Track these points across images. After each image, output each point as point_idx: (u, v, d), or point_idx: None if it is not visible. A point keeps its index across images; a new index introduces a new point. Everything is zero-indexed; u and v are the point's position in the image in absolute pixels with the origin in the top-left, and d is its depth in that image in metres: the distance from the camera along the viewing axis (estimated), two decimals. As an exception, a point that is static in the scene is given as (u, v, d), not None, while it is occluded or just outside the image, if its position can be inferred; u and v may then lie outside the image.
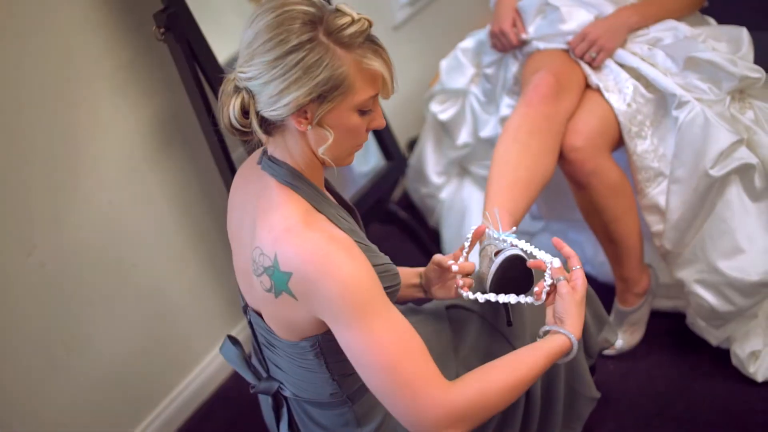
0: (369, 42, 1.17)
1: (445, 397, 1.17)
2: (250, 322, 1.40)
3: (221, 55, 1.91)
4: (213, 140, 1.90)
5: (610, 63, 1.99)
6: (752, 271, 1.83)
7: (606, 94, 1.94)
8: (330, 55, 1.13)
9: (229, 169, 1.96)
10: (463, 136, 2.38)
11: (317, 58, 1.12)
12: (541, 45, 2.06)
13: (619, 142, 1.97)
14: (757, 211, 1.86)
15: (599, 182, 1.89)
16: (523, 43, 2.10)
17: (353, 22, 1.15)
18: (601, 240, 2.02)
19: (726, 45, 1.97)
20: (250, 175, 1.33)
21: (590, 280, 2.28)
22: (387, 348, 1.16)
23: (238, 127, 1.20)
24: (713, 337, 2.03)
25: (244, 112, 1.19)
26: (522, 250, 1.47)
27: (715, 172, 1.82)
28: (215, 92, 1.83)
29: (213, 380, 2.33)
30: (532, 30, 2.09)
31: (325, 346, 1.27)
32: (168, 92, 2.02)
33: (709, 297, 1.91)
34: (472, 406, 1.19)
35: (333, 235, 1.19)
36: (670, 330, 2.17)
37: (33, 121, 1.75)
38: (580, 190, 1.94)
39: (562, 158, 1.90)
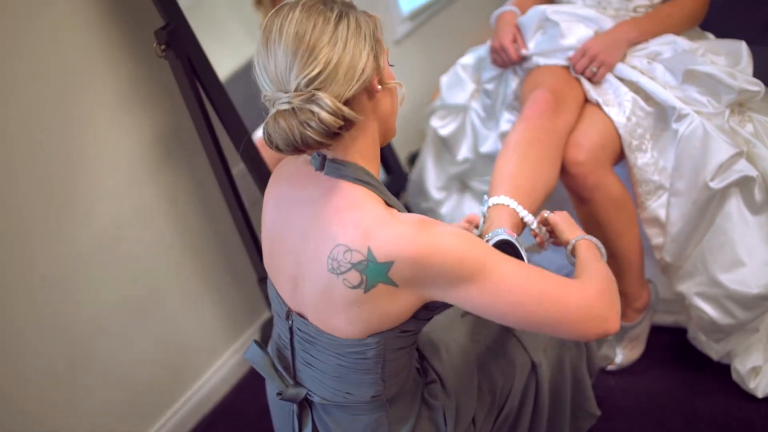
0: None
1: (584, 289, 1.25)
2: (290, 328, 1.38)
3: (221, 67, 1.92)
4: (213, 155, 1.91)
5: (609, 77, 2.00)
6: (753, 284, 1.83)
7: (606, 108, 1.94)
8: (357, 14, 1.20)
9: (228, 183, 1.97)
10: (464, 152, 2.38)
11: (355, 19, 1.18)
12: (541, 60, 2.07)
13: (620, 156, 1.97)
14: (757, 224, 1.86)
15: (602, 196, 1.89)
16: (523, 58, 2.11)
17: None
18: None
19: (725, 59, 1.98)
20: (300, 181, 1.32)
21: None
22: (524, 283, 1.20)
23: (336, 127, 1.15)
24: (714, 351, 2.02)
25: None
26: (509, 235, 1.48)
27: (715, 185, 1.82)
28: (215, 107, 1.84)
29: (214, 394, 2.33)
30: (532, 45, 2.10)
31: (389, 344, 1.29)
32: (168, 107, 2.03)
33: (709, 310, 1.90)
34: (601, 287, 1.27)
35: (420, 218, 1.22)
36: (671, 345, 2.17)
37: (33, 133, 1.76)
38: (582, 204, 1.94)
39: (564, 172, 1.90)
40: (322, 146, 1.17)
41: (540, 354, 1.57)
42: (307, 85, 1.14)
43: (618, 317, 1.27)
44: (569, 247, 1.46)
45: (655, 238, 1.99)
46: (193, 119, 1.87)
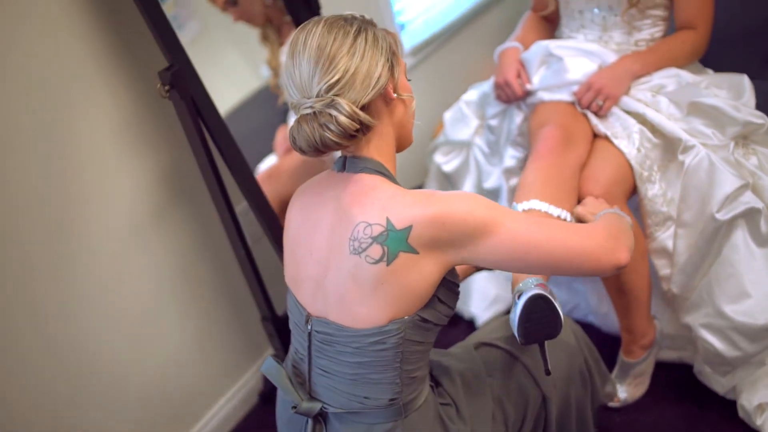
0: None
1: (593, 227, 1.36)
2: (309, 334, 1.42)
3: (224, 101, 1.94)
4: (216, 193, 1.92)
5: (616, 110, 2.00)
6: (759, 316, 1.82)
7: (615, 141, 1.94)
8: (375, 30, 1.32)
9: (232, 221, 1.97)
10: (468, 188, 2.39)
11: (373, 34, 1.30)
12: (546, 96, 2.08)
13: (633, 190, 1.96)
14: (763, 256, 1.85)
15: None
16: (528, 93, 2.12)
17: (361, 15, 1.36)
18: (611, 290, 2.00)
19: (727, 92, 1.99)
20: (323, 185, 1.42)
21: (594, 330, 2.29)
22: (535, 228, 1.29)
23: (353, 130, 1.26)
24: (720, 385, 2.01)
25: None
26: (541, 289, 1.48)
27: (722, 216, 1.82)
28: (218, 147, 1.85)
29: (216, 433, 2.32)
30: (536, 80, 2.11)
31: (408, 334, 1.33)
32: (172, 147, 2.03)
33: (715, 342, 1.90)
34: (608, 228, 1.38)
35: (430, 190, 1.33)
36: (676, 381, 2.15)
37: (37, 173, 1.77)
38: None
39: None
40: (340, 147, 1.29)
41: (550, 388, 1.59)
42: (327, 90, 1.26)
43: (627, 249, 1.35)
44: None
45: (663, 269, 1.99)
46: (197, 158, 1.88)
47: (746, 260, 1.85)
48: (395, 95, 1.34)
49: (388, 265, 1.27)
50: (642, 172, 1.92)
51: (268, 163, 2.23)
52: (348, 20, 1.31)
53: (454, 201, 1.28)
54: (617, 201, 1.88)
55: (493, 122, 2.27)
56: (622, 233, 1.39)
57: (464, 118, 2.39)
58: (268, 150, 2.24)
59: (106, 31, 1.83)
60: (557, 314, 1.46)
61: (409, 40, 2.91)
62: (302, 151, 1.31)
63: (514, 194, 2.07)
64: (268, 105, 2.25)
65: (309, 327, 1.41)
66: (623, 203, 1.91)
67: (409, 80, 1.40)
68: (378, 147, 1.36)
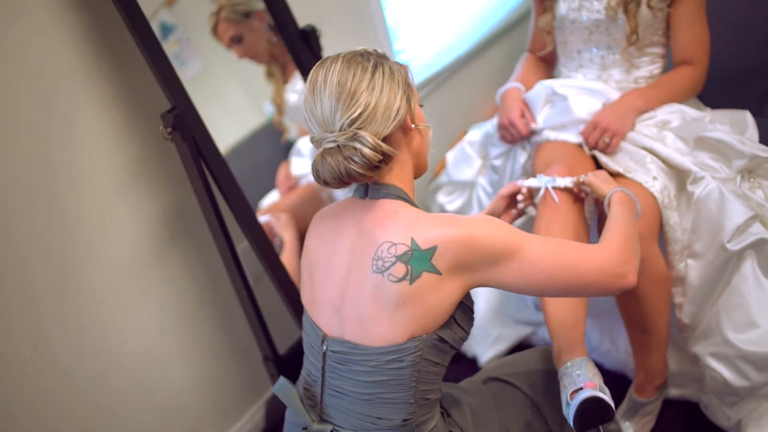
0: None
1: (603, 251, 1.40)
2: (324, 354, 1.43)
3: (227, 137, 1.96)
4: (217, 233, 1.92)
5: (624, 145, 2.00)
6: (767, 345, 1.82)
7: (629, 175, 1.93)
8: (390, 63, 1.37)
9: (234, 261, 1.97)
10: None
11: (389, 68, 1.35)
12: (552, 135, 2.08)
13: (660, 226, 1.94)
14: None
15: (649, 269, 1.86)
16: (532, 133, 2.12)
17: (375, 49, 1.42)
18: (632, 329, 1.98)
19: (730, 127, 2.01)
20: (344, 210, 1.46)
21: (597, 367, 2.28)
22: (552, 256, 1.34)
23: (377, 161, 1.31)
24: (726, 418, 1.99)
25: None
26: (598, 385, 1.51)
27: (732, 247, 1.82)
28: (220, 188, 1.85)
29: (217, 475, 2.30)
30: (541, 120, 2.11)
31: (425, 352, 1.35)
32: (174, 187, 2.04)
33: (723, 371, 1.89)
34: (621, 246, 1.42)
35: (452, 214, 1.36)
36: (680, 419, 2.14)
37: (39, 214, 1.78)
38: None
39: None
40: (364, 178, 1.33)
41: (557, 426, 1.60)
42: (350, 125, 1.30)
43: (635, 270, 1.41)
44: (606, 201, 1.65)
45: (677, 296, 1.98)
46: (198, 198, 1.88)
47: (755, 290, 1.86)
48: (413, 125, 1.38)
49: (411, 283, 1.30)
50: (663, 198, 1.90)
51: (271, 199, 2.24)
52: (364, 55, 1.36)
53: (478, 224, 1.32)
54: (652, 237, 1.87)
55: (497, 162, 2.27)
56: (634, 249, 1.45)
57: (467, 158, 2.40)
58: (271, 186, 2.24)
59: (110, 73, 1.85)
60: (610, 408, 1.46)
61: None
62: (326, 183, 1.35)
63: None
64: (270, 142, 2.26)
65: (324, 347, 1.43)
66: (656, 241, 1.89)
67: (421, 105, 1.44)
68: (398, 175, 1.40)
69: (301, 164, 2.22)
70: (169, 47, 1.90)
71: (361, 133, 1.29)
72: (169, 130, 1.74)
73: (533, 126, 2.11)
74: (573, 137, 2.06)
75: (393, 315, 1.32)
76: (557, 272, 1.34)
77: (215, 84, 2.09)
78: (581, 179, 1.76)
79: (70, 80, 1.79)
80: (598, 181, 1.73)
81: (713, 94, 2.30)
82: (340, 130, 1.31)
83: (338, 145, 1.31)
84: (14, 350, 1.77)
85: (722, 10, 2.46)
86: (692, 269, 1.91)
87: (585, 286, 1.37)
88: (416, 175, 1.48)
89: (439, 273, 1.30)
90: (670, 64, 2.14)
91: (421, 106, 1.44)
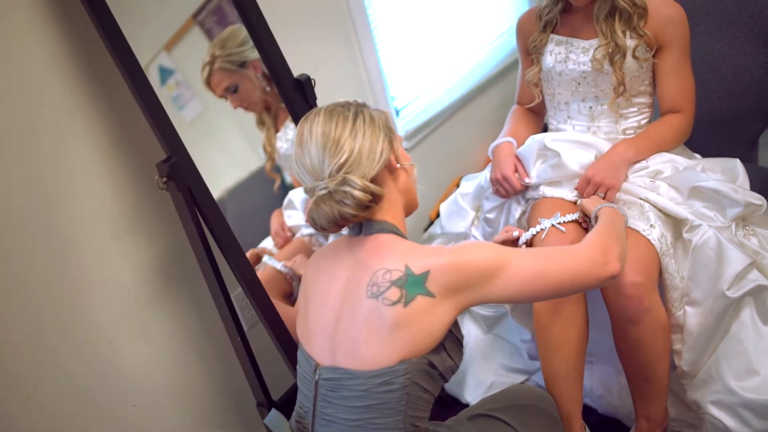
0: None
1: (585, 247, 1.49)
2: (316, 383, 1.47)
3: (224, 178, 1.98)
4: (212, 281, 1.93)
5: (620, 196, 2.01)
6: None
7: (629, 221, 1.92)
8: (370, 110, 1.46)
9: (228, 309, 1.98)
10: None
11: (369, 114, 1.45)
12: (548, 192, 2.08)
13: (660, 273, 1.94)
14: None
15: (651, 318, 1.85)
16: (526, 187, 2.13)
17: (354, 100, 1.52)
18: (635, 378, 1.97)
19: (722, 175, 2.02)
20: (339, 246, 1.53)
21: (591, 412, 2.28)
22: (539, 265, 1.42)
23: (367, 201, 1.39)
24: None
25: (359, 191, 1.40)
26: None
27: (732, 294, 1.83)
28: (215, 237, 1.87)
29: None
30: (534, 174, 2.11)
31: (415, 376, 1.39)
32: (169, 234, 2.06)
33: (725, 418, 1.88)
34: (599, 239, 1.53)
35: (442, 245, 1.46)
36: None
37: (35, 261, 1.79)
38: (630, 326, 1.87)
39: (619, 294, 1.85)
40: (357, 218, 1.40)
41: None
42: (338, 170, 1.38)
43: (617, 258, 1.50)
44: (593, 216, 1.79)
45: (676, 344, 1.97)
46: (193, 246, 1.90)
47: (754, 337, 1.86)
48: (398, 165, 1.47)
49: (405, 306, 1.36)
50: (661, 246, 1.90)
51: (267, 243, 2.24)
52: (345, 106, 1.46)
53: (464, 249, 1.40)
54: (654, 286, 1.86)
55: (491, 215, 2.26)
56: (614, 242, 1.54)
57: (460, 210, 2.40)
58: (268, 229, 2.25)
59: (107, 121, 1.88)
60: None
61: (403, 126, 2.97)
62: (323, 229, 1.43)
63: None
64: (269, 184, 2.26)
65: (317, 376, 1.46)
66: (657, 290, 1.89)
67: (406, 149, 1.50)
68: (389, 212, 1.48)
69: (294, 216, 2.23)
70: (168, 91, 1.93)
71: (350, 176, 1.38)
72: (164, 179, 1.76)
73: (527, 181, 2.11)
74: (568, 193, 2.06)
75: (386, 338, 1.37)
76: (547, 276, 1.42)
77: (214, 127, 2.10)
78: (579, 205, 1.87)
79: (67, 128, 1.81)
80: (588, 202, 1.88)
81: (701, 141, 2.32)
82: (329, 177, 1.39)
83: (329, 191, 1.39)
84: (9, 398, 1.77)
85: (709, 58, 2.50)
86: (691, 316, 1.91)
87: (574, 280, 1.45)
88: (407, 213, 1.55)
89: (432, 296, 1.36)
90: (657, 112, 2.16)
91: (405, 149, 1.51)
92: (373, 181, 1.42)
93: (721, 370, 1.89)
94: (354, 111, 1.44)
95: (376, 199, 1.42)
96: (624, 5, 1.98)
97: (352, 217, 1.40)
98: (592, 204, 1.87)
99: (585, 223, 1.93)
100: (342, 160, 1.39)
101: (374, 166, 1.42)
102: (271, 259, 2.17)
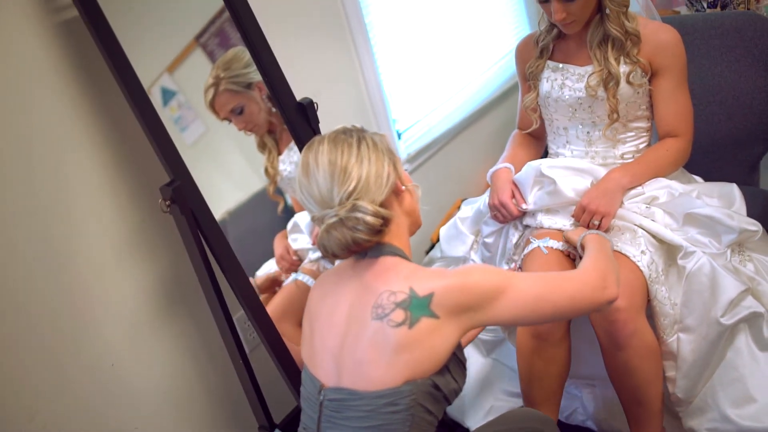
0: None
1: (582, 273, 1.54)
2: (320, 404, 1.47)
3: (227, 200, 1.99)
4: (214, 303, 1.93)
5: (614, 222, 2.00)
6: (765, 420, 1.81)
7: (617, 248, 1.93)
8: (371, 135, 1.48)
9: (230, 331, 1.98)
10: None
11: (371, 139, 1.46)
12: (545, 221, 2.08)
13: (647, 299, 1.94)
14: (766, 360, 1.86)
15: (638, 343, 1.85)
16: (524, 213, 2.13)
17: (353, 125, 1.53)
18: (627, 403, 1.96)
19: (718, 200, 2.02)
20: (344, 268, 1.54)
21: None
22: (537, 289, 1.45)
23: (379, 225, 1.41)
24: None
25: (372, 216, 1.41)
26: None
27: (726, 321, 1.82)
28: (218, 259, 1.88)
29: None
30: (531, 201, 2.11)
31: (420, 397, 1.39)
32: (172, 257, 2.07)
33: None
34: (595, 265, 1.57)
35: (444, 268, 1.45)
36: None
37: (37, 283, 1.80)
38: (617, 351, 1.88)
39: (605, 319, 1.86)
40: (370, 243, 1.43)
41: None
42: (348, 197, 1.39)
43: (614, 283, 1.54)
44: (579, 244, 1.83)
45: (669, 370, 1.96)
46: (196, 269, 1.90)
47: (750, 364, 1.86)
48: (403, 187, 1.49)
49: (410, 328, 1.36)
50: (650, 273, 1.90)
51: (269, 267, 2.24)
52: (347, 132, 1.46)
53: (468, 272, 1.42)
54: (639, 311, 1.86)
55: (489, 240, 2.26)
56: (610, 267, 1.58)
57: (460, 234, 2.40)
58: (270, 250, 2.25)
59: (111, 144, 1.89)
60: None
61: (405, 148, 2.98)
62: (334, 255, 1.45)
63: None
64: (271, 206, 2.25)
65: (321, 397, 1.46)
66: (644, 314, 1.89)
67: (406, 170, 1.51)
68: (395, 234, 1.49)
69: (301, 239, 2.23)
70: (170, 112, 1.94)
71: (360, 203, 1.39)
72: (167, 202, 1.77)
73: (524, 207, 2.11)
74: (566, 221, 2.06)
75: (390, 359, 1.37)
76: (546, 298, 1.45)
77: (216, 148, 2.10)
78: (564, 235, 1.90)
79: (71, 151, 1.83)
80: (571, 233, 1.93)
81: (702, 164, 2.33)
82: (339, 204, 1.40)
83: (341, 218, 1.39)
84: (12, 419, 1.77)
85: (710, 81, 2.51)
86: (685, 344, 1.90)
87: (573, 304, 1.49)
88: (412, 232, 1.57)
89: (437, 317, 1.37)
90: (656, 136, 2.17)
91: (406, 170, 1.53)
92: (381, 205, 1.43)
93: (717, 397, 1.88)
94: (357, 137, 1.45)
95: (386, 222, 1.43)
96: (616, 33, 1.98)
97: (365, 242, 1.42)
98: (575, 234, 1.91)
99: (566, 252, 1.97)
100: (351, 187, 1.40)
101: (382, 191, 1.43)
102: (305, 276, 2.18)
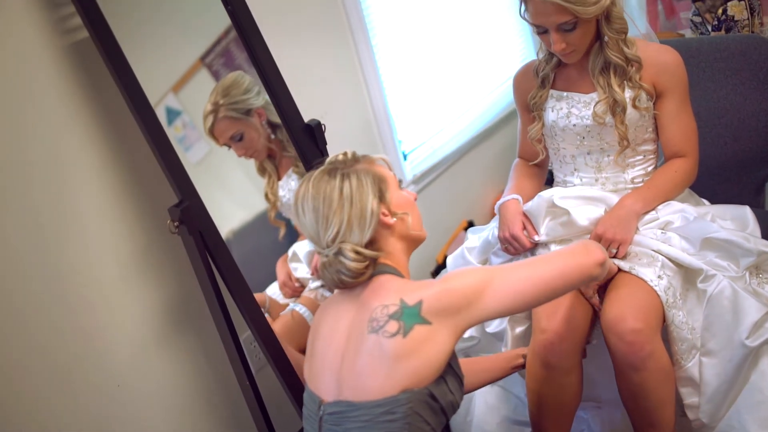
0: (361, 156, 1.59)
1: (565, 248, 1.61)
2: (320, 419, 1.50)
3: (231, 220, 2.00)
4: (221, 324, 1.94)
5: (631, 248, 1.98)
6: None
7: (635, 270, 1.91)
8: (357, 169, 1.51)
9: (237, 351, 1.98)
10: (470, 330, 2.34)
11: (356, 175, 1.49)
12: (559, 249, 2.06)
13: (663, 322, 1.91)
14: None
15: (654, 365, 1.82)
16: (536, 244, 2.09)
17: (344, 153, 1.58)
18: (639, 425, 1.94)
19: (731, 223, 2.01)
20: (342, 294, 1.58)
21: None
22: (524, 272, 1.49)
23: (363, 268, 1.47)
24: None
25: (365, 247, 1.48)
26: None
27: (751, 343, 1.81)
28: (225, 280, 1.88)
29: None
30: (543, 232, 2.07)
31: (417, 407, 1.42)
32: (179, 277, 2.07)
33: None
34: (581, 242, 1.63)
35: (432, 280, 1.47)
36: None
37: (44, 303, 1.80)
38: (633, 372, 1.85)
39: (620, 341, 1.83)
40: (358, 282, 1.50)
41: None
42: (333, 241, 1.46)
43: (597, 248, 1.59)
44: None
45: (689, 397, 1.93)
46: (203, 290, 1.91)
47: None
48: (392, 219, 1.52)
49: (404, 336, 1.41)
50: (667, 298, 1.87)
51: (273, 290, 2.24)
52: (330, 173, 1.50)
53: (452, 276, 1.49)
54: (655, 333, 1.84)
55: None
56: (590, 243, 1.62)
57: (467, 265, 2.36)
58: (273, 269, 2.25)
59: (118, 165, 1.91)
60: None
61: (410, 170, 2.99)
62: (331, 288, 1.56)
63: (518, 341, 2.08)
64: (273, 226, 2.26)
65: (321, 412, 1.49)
66: (660, 336, 1.86)
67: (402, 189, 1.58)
68: (391, 256, 1.54)
69: (301, 268, 2.23)
70: (175, 132, 1.94)
71: (343, 246, 1.46)
72: (176, 223, 1.78)
73: (536, 239, 2.08)
74: None
75: (388, 369, 1.41)
76: (532, 278, 1.49)
77: (220, 168, 2.11)
78: None
79: (80, 171, 1.84)
80: None
81: (708, 186, 2.33)
82: (326, 246, 1.48)
83: (329, 261, 1.49)
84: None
85: (715, 104, 2.52)
86: (708, 368, 1.88)
87: (564, 277, 1.51)
88: (415, 246, 1.62)
89: (429, 323, 1.42)
90: (661, 156, 2.16)
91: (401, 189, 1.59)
92: (370, 241, 1.49)
93: (744, 420, 1.86)
94: (340, 178, 1.49)
95: (372, 263, 1.50)
96: (617, 60, 1.97)
97: (353, 281, 1.49)
98: None
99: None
100: (333, 232, 1.46)
101: (366, 231, 1.48)
102: (301, 306, 2.17)
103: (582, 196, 2.05)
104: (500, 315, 1.54)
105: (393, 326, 1.42)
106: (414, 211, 1.59)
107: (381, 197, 1.51)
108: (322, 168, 1.53)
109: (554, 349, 1.89)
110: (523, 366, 1.90)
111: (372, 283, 1.51)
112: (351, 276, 1.48)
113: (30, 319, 1.77)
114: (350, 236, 1.47)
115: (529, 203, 2.10)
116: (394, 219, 1.53)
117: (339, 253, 1.46)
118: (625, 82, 2.00)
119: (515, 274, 1.49)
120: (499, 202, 2.18)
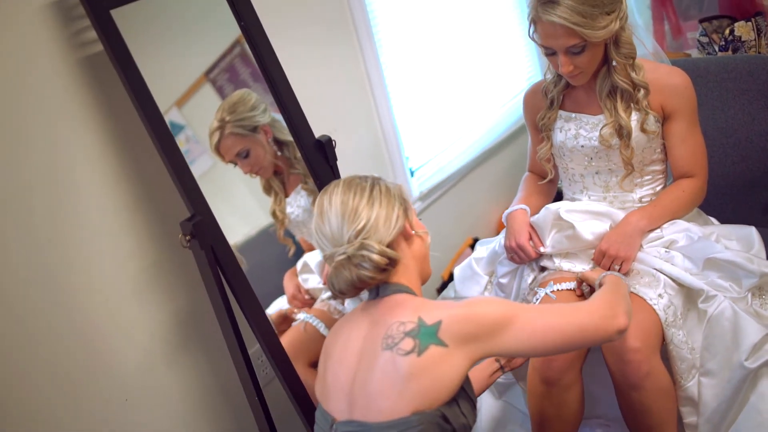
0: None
1: (591, 304, 1.55)
2: None
3: (234, 234, 1.99)
4: (230, 337, 1.93)
5: (634, 266, 1.99)
6: None
7: (634, 290, 1.92)
8: (386, 182, 1.55)
9: (245, 365, 1.98)
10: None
11: (385, 185, 1.53)
12: (565, 265, 2.07)
13: (662, 341, 1.92)
14: None
15: (652, 384, 1.84)
16: (541, 255, 2.11)
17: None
18: None
19: (737, 243, 2.01)
20: (355, 313, 1.59)
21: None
22: (546, 318, 1.47)
23: (384, 264, 1.46)
24: None
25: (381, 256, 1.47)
26: None
27: (750, 364, 1.81)
28: (235, 294, 1.88)
29: None
30: (549, 244, 2.09)
31: (430, 427, 1.41)
32: (188, 291, 2.07)
33: None
34: (605, 297, 1.60)
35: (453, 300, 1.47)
36: None
37: (53, 320, 1.80)
38: (632, 391, 1.86)
39: (618, 360, 1.85)
40: (374, 281, 1.48)
41: None
42: (356, 236, 1.46)
43: (625, 314, 1.55)
44: (597, 284, 1.82)
45: (688, 416, 1.94)
46: (213, 304, 1.91)
47: None
48: (413, 232, 1.54)
49: (419, 356, 1.39)
50: (667, 317, 1.89)
51: (279, 305, 2.24)
52: (362, 178, 1.55)
53: (476, 302, 1.49)
54: (654, 352, 1.85)
55: (504, 280, 2.23)
56: (620, 300, 1.59)
57: (474, 275, 2.37)
58: (277, 284, 2.25)
59: (130, 179, 1.91)
60: None
61: (417, 186, 3.00)
62: (342, 293, 1.50)
63: None
64: (277, 241, 2.27)
65: (332, 431, 1.49)
66: (659, 355, 1.88)
67: (420, 218, 1.55)
68: (404, 275, 1.54)
69: (311, 279, 2.23)
70: (179, 146, 1.94)
71: (367, 241, 1.46)
72: (187, 237, 1.78)
73: (542, 250, 2.09)
74: (585, 265, 2.05)
75: (400, 389, 1.40)
76: (556, 329, 1.47)
77: (223, 183, 2.11)
78: (578, 276, 1.91)
79: (91, 185, 1.85)
80: (590, 272, 1.94)
81: (717, 205, 2.33)
82: (348, 242, 1.46)
83: (348, 256, 1.45)
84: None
85: (723, 124, 2.53)
86: (707, 388, 1.88)
87: (583, 334, 1.50)
88: (422, 281, 1.61)
89: (445, 345, 1.41)
90: (670, 175, 2.17)
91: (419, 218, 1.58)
92: (389, 246, 1.49)
93: None
94: (371, 182, 1.53)
95: (392, 262, 1.49)
96: (624, 85, 1.98)
97: (370, 280, 1.47)
98: (594, 273, 1.91)
99: (579, 291, 1.97)
100: (360, 226, 1.46)
101: (390, 232, 1.49)
102: (313, 318, 2.17)
103: (588, 211, 2.06)
104: (515, 354, 1.55)
105: (408, 344, 1.41)
106: (426, 240, 1.61)
107: (405, 211, 1.55)
108: (353, 175, 1.58)
109: (553, 365, 1.91)
110: (499, 369, 1.88)
111: (388, 300, 1.51)
112: (372, 270, 1.45)
113: (39, 333, 1.77)
114: (374, 234, 1.47)
115: (537, 215, 2.12)
116: (414, 233, 1.56)
117: (362, 247, 1.46)
118: (632, 105, 2.01)
119: (541, 319, 1.47)
120: (506, 212, 2.20)
